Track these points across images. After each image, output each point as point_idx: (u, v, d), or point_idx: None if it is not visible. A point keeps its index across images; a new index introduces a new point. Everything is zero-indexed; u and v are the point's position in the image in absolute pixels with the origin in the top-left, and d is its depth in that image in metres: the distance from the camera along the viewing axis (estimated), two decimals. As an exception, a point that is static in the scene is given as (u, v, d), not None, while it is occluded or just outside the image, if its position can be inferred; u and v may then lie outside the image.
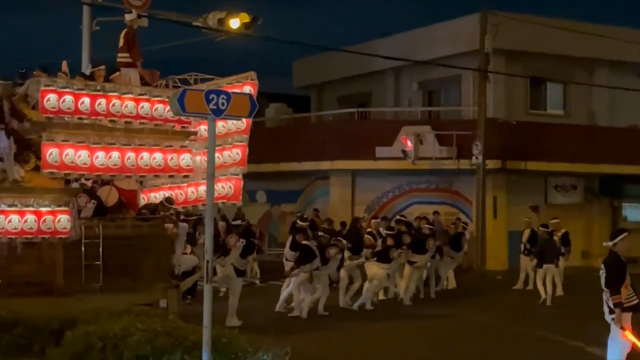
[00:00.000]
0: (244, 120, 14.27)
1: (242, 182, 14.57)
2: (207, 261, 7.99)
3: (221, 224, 19.55)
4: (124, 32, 15.87)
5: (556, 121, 28.04)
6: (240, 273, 15.81)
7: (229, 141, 14.67)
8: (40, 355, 8.87)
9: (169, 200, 14.83)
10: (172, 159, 14.34)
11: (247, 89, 14.58)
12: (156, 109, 14.29)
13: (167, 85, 15.75)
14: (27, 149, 13.89)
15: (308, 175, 28.70)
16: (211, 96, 7.91)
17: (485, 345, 13.74)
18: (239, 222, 16.76)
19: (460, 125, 26.78)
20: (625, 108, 28.72)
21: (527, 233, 22.13)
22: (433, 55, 27.50)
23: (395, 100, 30.92)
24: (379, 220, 21.84)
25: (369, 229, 20.36)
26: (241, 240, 15.91)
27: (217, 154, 14.04)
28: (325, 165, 27.76)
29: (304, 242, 17.14)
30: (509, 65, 27.19)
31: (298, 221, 21.41)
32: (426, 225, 20.71)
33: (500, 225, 26.46)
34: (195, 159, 14.70)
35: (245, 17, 18.98)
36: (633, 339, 9.31)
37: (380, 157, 26.83)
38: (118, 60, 15.59)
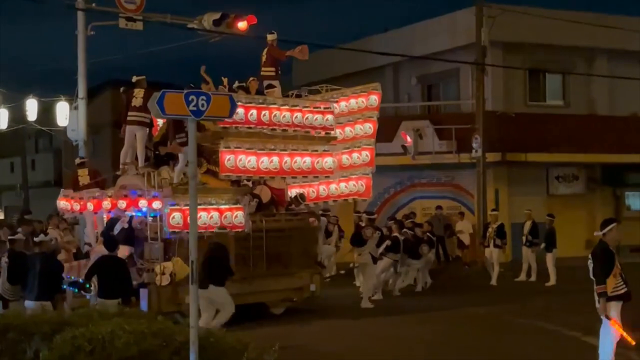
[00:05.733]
0: (371, 125, 16.89)
1: (371, 181, 16.79)
2: (192, 262, 8.03)
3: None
4: (266, 49, 17.14)
5: (556, 112, 27.86)
6: (375, 260, 17.67)
7: (357, 144, 16.90)
8: (35, 360, 8.94)
9: (302, 196, 16.71)
10: (317, 162, 16.36)
11: (373, 97, 17.05)
12: (306, 118, 16.29)
13: (298, 96, 17.37)
14: (199, 155, 15.11)
15: (310, 173, 28.62)
16: (191, 97, 7.95)
17: (483, 336, 13.82)
18: (374, 216, 18.95)
19: (459, 118, 26.72)
20: (625, 96, 28.48)
21: (528, 224, 22.15)
22: (431, 49, 27.44)
23: (394, 96, 30.83)
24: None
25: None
26: (377, 232, 17.76)
27: (346, 156, 16.93)
28: (326, 162, 27.69)
29: (394, 234, 19.13)
30: (506, 57, 27.11)
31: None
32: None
33: (502, 217, 26.31)
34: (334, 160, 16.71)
35: (247, 21, 19.26)
36: (618, 328, 9.28)
37: (381, 153, 26.62)
38: (262, 74, 17.13)
